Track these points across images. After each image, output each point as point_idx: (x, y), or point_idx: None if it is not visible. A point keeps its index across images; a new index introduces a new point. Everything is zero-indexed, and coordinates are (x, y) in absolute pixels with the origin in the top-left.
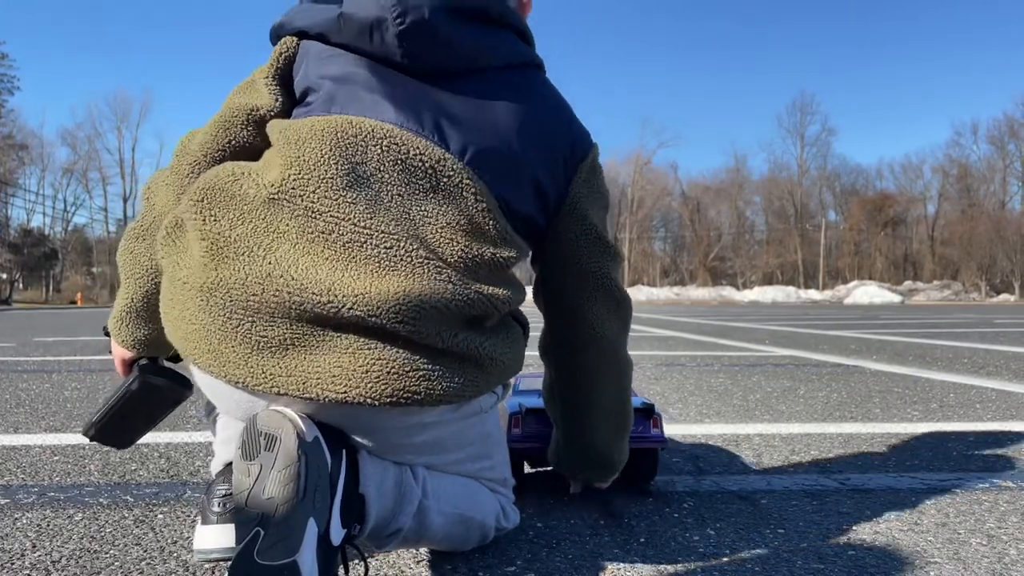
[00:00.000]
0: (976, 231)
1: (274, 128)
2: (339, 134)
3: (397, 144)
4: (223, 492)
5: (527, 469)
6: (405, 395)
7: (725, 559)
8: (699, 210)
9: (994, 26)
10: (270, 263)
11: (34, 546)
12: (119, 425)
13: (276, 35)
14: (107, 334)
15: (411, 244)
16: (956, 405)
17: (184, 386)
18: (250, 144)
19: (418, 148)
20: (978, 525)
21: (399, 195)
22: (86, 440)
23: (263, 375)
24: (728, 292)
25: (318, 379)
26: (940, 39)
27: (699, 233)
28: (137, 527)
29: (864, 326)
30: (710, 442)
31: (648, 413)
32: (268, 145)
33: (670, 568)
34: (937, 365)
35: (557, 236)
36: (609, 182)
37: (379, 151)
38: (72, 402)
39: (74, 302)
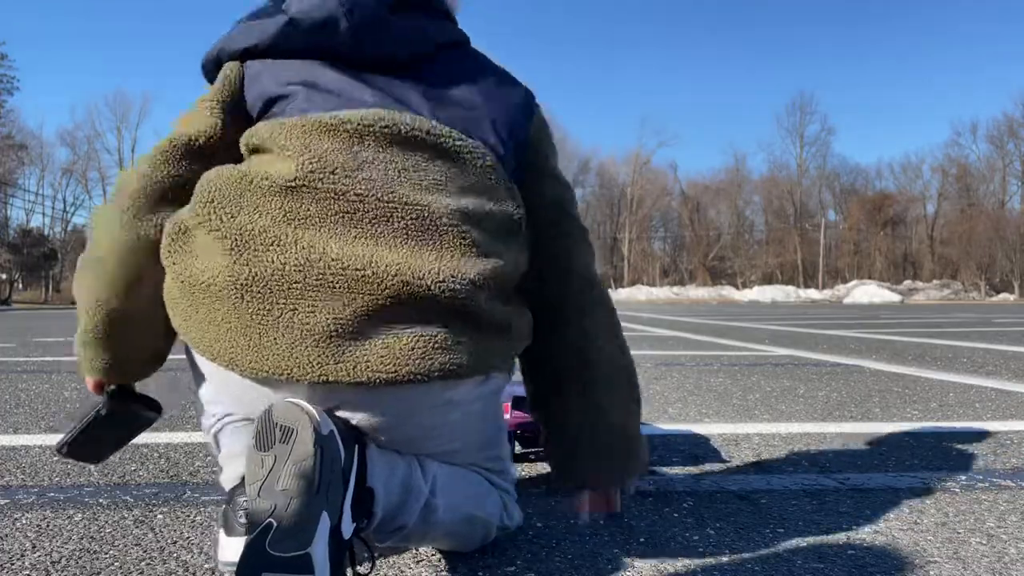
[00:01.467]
0: (975, 230)
1: (261, 130)
2: (333, 129)
3: (388, 124)
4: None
5: (518, 449)
6: (451, 367)
7: (725, 559)
8: (698, 210)
9: (994, 26)
10: (303, 248)
11: (34, 546)
12: (90, 444)
13: (216, 62)
14: None
15: (433, 212)
16: (956, 404)
17: (153, 411)
18: (188, 178)
19: (408, 122)
20: (978, 524)
21: (406, 169)
22: None
23: (310, 364)
24: (728, 292)
25: (367, 362)
26: (940, 38)
27: (698, 233)
28: (137, 527)
29: (863, 325)
30: (710, 442)
31: None
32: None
33: (670, 568)
34: (936, 364)
35: (529, 182)
36: (608, 181)
37: (374, 135)
38: (72, 402)
39: (74, 302)
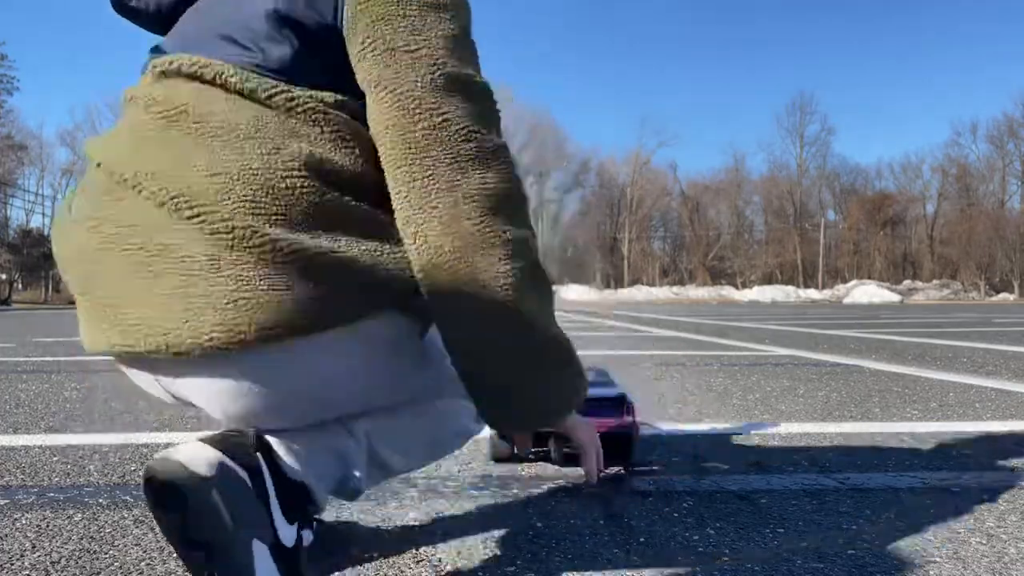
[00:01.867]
0: (975, 230)
1: None
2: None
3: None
4: None
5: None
6: (256, 327)
7: (725, 559)
8: (698, 210)
9: (994, 26)
10: (82, 225)
11: (34, 547)
12: None
13: None
14: None
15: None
16: (956, 404)
17: None
18: None
19: (200, 66)
20: (977, 524)
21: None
22: (85, 440)
23: (107, 337)
24: (727, 291)
25: (148, 330)
26: (940, 38)
27: (698, 233)
28: (137, 527)
29: (863, 325)
30: (709, 442)
31: (620, 402)
32: None
33: (670, 568)
34: (936, 364)
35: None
36: (608, 181)
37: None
38: (72, 402)
39: (73, 302)
